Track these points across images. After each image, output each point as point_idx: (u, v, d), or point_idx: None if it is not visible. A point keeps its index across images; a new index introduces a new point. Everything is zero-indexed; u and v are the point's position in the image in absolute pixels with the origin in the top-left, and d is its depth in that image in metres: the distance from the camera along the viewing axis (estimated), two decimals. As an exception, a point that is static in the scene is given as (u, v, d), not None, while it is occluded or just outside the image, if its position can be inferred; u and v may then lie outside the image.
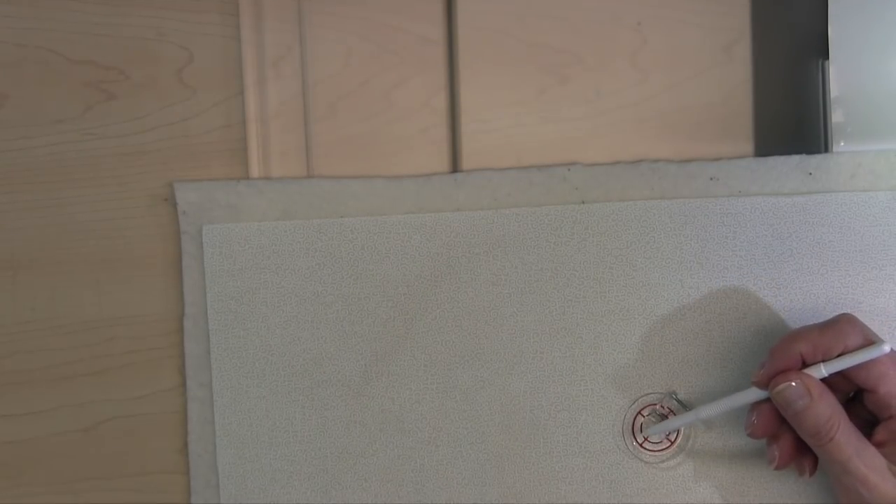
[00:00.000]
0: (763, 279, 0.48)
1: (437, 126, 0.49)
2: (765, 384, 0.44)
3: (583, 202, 0.48)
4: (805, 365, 0.43)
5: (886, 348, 0.42)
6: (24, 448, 0.49)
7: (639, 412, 0.48)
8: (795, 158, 0.48)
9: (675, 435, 0.48)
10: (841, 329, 0.43)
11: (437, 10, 0.49)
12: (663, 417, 0.47)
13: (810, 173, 0.48)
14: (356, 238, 0.48)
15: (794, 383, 0.43)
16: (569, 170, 0.48)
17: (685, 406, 0.47)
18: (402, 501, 0.48)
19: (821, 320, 0.45)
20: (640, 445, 0.48)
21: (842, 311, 0.45)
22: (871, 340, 0.43)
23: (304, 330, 0.48)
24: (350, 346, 0.48)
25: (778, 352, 0.44)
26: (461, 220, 0.48)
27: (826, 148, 0.48)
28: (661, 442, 0.48)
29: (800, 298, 0.47)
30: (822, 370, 0.43)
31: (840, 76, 0.47)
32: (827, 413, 0.42)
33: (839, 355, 0.43)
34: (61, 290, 0.49)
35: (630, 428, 0.48)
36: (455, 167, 0.49)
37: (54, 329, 0.49)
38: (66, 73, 0.48)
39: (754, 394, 0.45)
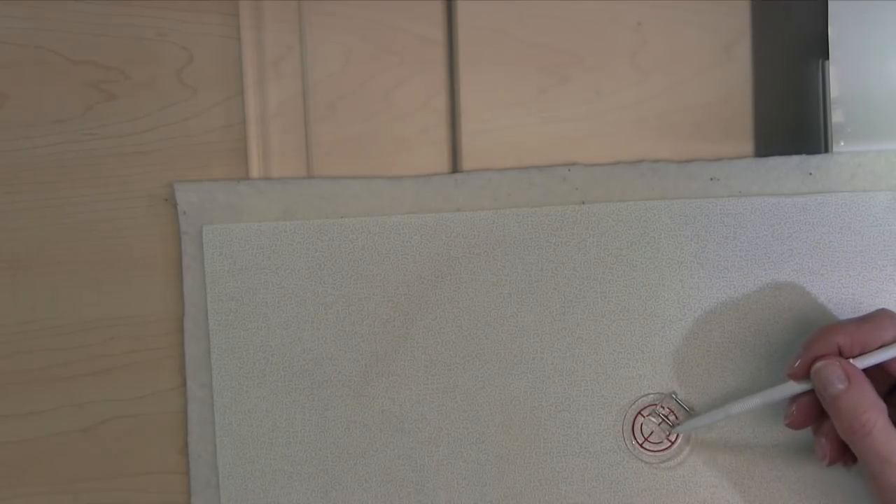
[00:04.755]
0: (763, 279, 0.48)
1: (437, 126, 0.49)
2: (802, 375, 0.43)
3: (583, 202, 0.48)
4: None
5: None
6: (24, 448, 0.49)
7: (639, 412, 0.48)
8: (795, 159, 0.48)
9: (675, 435, 0.48)
10: (880, 323, 0.42)
11: (437, 10, 0.49)
12: (663, 417, 0.47)
13: (810, 173, 0.48)
14: (356, 238, 0.48)
15: (832, 364, 0.42)
16: (569, 170, 0.48)
17: (685, 406, 0.47)
18: (402, 501, 0.48)
19: (821, 320, 0.45)
20: (640, 445, 0.48)
21: (842, 312, 0.45)
22: None
23: (304, 330, 0.48)
24: (350, 346, 0.48)
25: (815, 342, 0.43)
26: (461, 221, 0.48)
27: (826, 148, 0.48)
28: (661, 442, 0.48)
29: (800, 299, 0.47)
30: (857, 364, 0.42)
31: (840, 76, 0.47)
32: (865, 402, 0.41)
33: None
34: (61, 290, 0.48)
35: (630, 428, 0.48)
36: (455, 167, 0.49)
37: (54, 329, 0.49)
38: (66, 73, 0.48)
39: (788, 388, 0.44)
